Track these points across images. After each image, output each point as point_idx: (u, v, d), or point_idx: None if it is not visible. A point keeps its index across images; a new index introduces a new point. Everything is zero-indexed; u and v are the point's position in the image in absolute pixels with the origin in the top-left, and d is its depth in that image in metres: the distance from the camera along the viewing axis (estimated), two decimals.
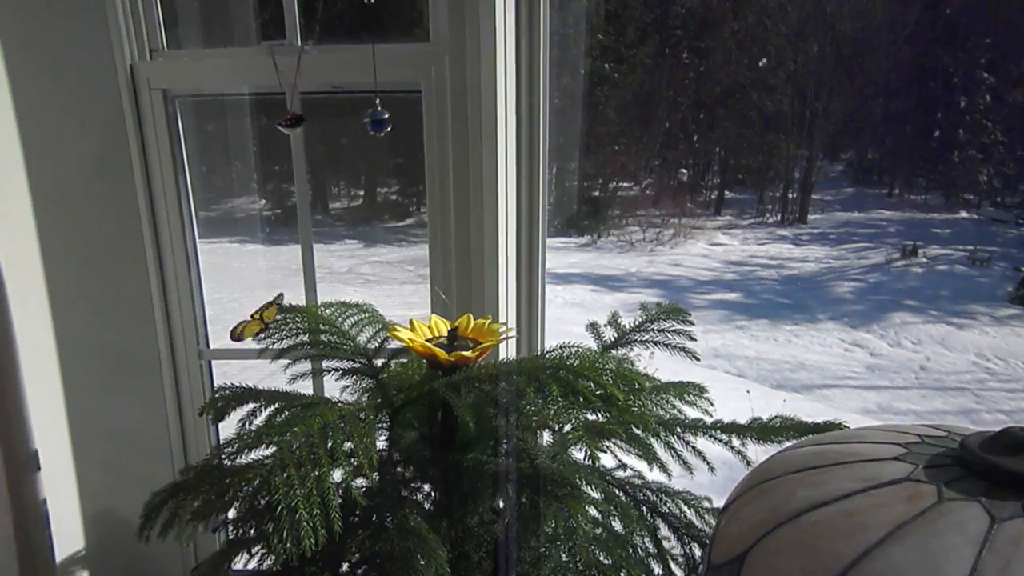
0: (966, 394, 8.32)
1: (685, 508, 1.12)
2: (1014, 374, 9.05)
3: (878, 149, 25.04)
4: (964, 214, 20.44)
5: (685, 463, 1.11)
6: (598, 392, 0.94)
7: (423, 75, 1.44)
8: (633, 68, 19.72)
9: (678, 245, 17.29)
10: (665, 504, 1.12)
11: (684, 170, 23.16)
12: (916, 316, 11.50)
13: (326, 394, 1.59)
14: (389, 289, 11.43)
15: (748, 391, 6.69)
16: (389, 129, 1.39)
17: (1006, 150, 20.71)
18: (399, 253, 14.32)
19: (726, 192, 22.59)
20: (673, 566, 1.10)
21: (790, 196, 21.25)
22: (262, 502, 0.87)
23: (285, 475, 0.82)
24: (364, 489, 1.06)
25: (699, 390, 1.23)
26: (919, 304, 12.15)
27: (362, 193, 18.95)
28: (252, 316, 1.22)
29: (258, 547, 1.01)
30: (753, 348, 10.05)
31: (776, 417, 1.06)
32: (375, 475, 1.04)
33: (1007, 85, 20.33)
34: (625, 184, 21.18)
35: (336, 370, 1.19)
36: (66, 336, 1.57)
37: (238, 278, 10.11)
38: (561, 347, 1.08)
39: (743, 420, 1.10)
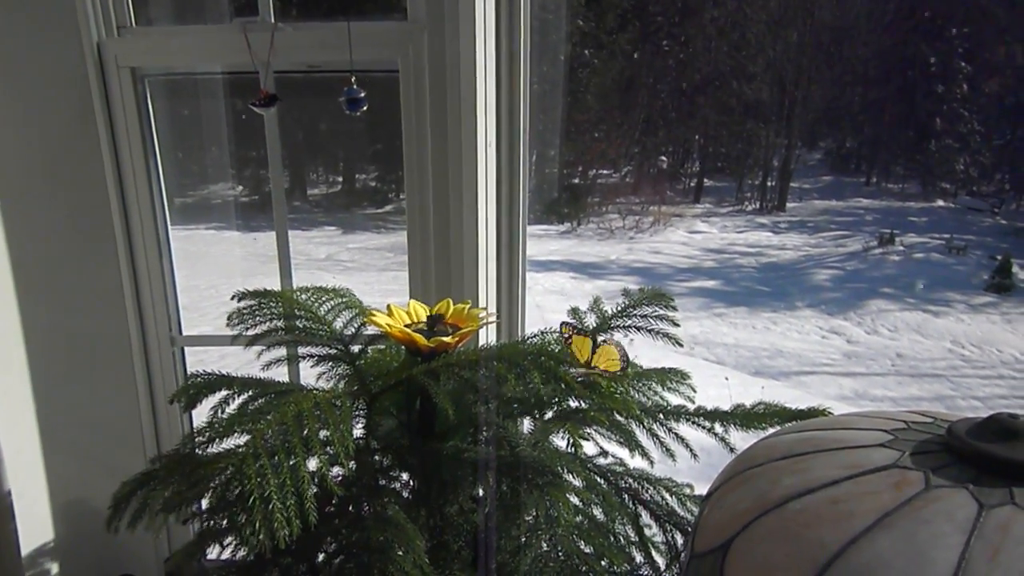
0: (942, 381, 8.45)
1: (667, 495, 1.11)
2: (988, 361, 9.20)
3: (856, 138, 25.29)
4: (941, 203, 20.73)
5: (667, 450, 1.10)
6: (580, 379, 0.93)
7: (400, 54, 1.41)
8: (613, 55, 19.72)
9: (657, 233, 17.37)
10: (647, 491, 1.11)
11: (663, 158, 23.25)
12: (893, 303, 11.65)
13: (302, 382, 1.57)
14: (369, 276, 11.38)
15: (727, 378, 6.74)
16: (365, 108, 1.36)
17: (982, 139, 21.00)
18: (378, 240, 14.27)
19: (705, 180, 22.73)
20: (655, 554, 1.09)
21: (769, 184, 21.40)
22: (234, 492, 0.84)
23: (258, 464, 0.80)
24: (340, 478, 1.04)
25: (681, 376, 1.22)
26: (896, 292, 12.31)
27: (340, 179, 18.85)
28: None
29: (230, 538, 0.99)
30: (731, 335, 10.14)
31: (760, 403, 1.05)
32: (352, 464, 1.02)
33: (984, 74, 20.57)
34: (605, 171, 21.24)
35: (312, 356, 1.17)
36: (33, 323, 1.53)
37: (215, 265, 10.02)
38: (542, 333, 1.07)
39: (724, 407, 1.09)
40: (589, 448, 1.18)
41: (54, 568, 1.63)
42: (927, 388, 8.19)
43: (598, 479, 1.10)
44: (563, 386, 0.89)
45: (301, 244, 13.41)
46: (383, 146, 16.54)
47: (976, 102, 20.82)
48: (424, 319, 1.10)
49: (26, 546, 1.54)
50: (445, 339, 1.02)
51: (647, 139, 22.23)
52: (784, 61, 21.59)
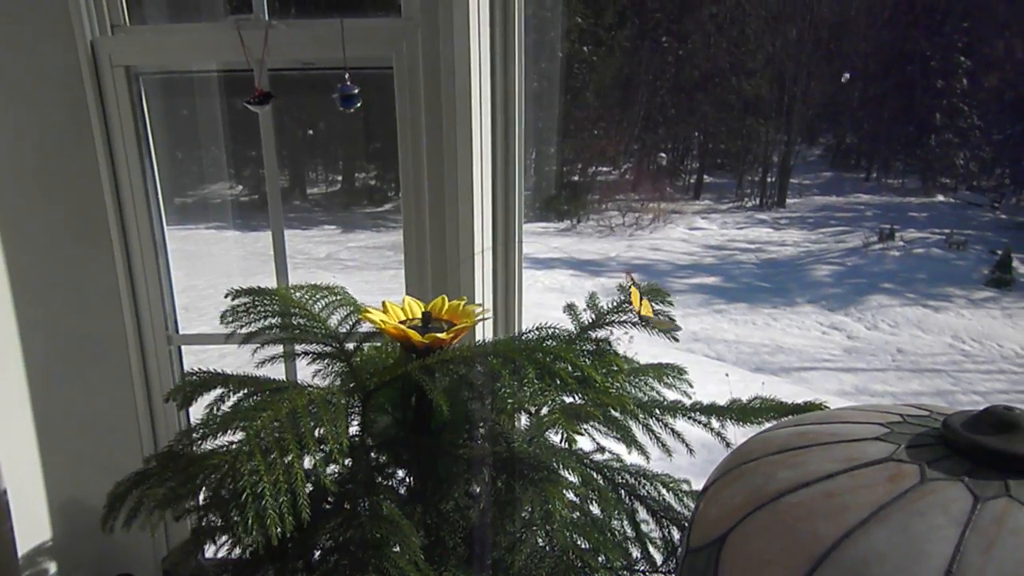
0: (942, 376, 8.45)
1: (664, 491, 1.11)
2: (989, 356, 9.20)
3: (856, 133, 25.25)
4: (941, 198, 20.71)
5: (664, 445, 1.10)
6: (575, 374, 0.92)
7: (395, 50, 1.40)
8: (612, 51, 19.70)
9: (657, 229, 17.36)
10: (643, 487, 1.10)
11: (663, 154, 23.23)
12: (893, 299, 11.65)
13: (299, 379, 1.56)
14: (369, 275, 11.37)
15: (727, 374, 6.73)
16: (359, 104, 1.35)
17: (982, 134, 20.97)
18: (378, 239, 14.26)
19: (705, 176, 22.72)
20: (652, 549, 1.09)
21: (768, 180, 21.38)
22: (228, 489, 0.84)
23: (252, 462, 0.79)
24: (337, 475, 1.03)
25: (678, 372, 1.21)
26: (896, 287, 12.31)
27: (340, 178, 18.84)
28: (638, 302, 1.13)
29: (224, 536, 0.98)
30: (732, 332, 10.13)
31: (756, 398, 1.04)
32: (347, 461, 1.01)
33: (983, 69, 20.53)
34: (604, 168, 21.22)
35: (307, 354, 1.16)
36: (29, 322, 1.53)
37: (214, 265, 10.01)
38: (538, 328, 1.06)
39: (722, 402, 1.09)
40: (586, 444, 1.17)
41: (52, 568, 1.63)
42: (928, 383, 8.19)
43: (594, 475, 1.09)
44: (558, 382, 0.89)
45: (301, 243, 13.41)
46: (381, 145, 16.54)
47: (976, 97, 20.79)
48: (419, 315, 1.10)
49: (23, 546, 1.53)
50: (440, 335, 1.01)
51: (646, 136, 22.21)
52: (783, 57, 21.57)
